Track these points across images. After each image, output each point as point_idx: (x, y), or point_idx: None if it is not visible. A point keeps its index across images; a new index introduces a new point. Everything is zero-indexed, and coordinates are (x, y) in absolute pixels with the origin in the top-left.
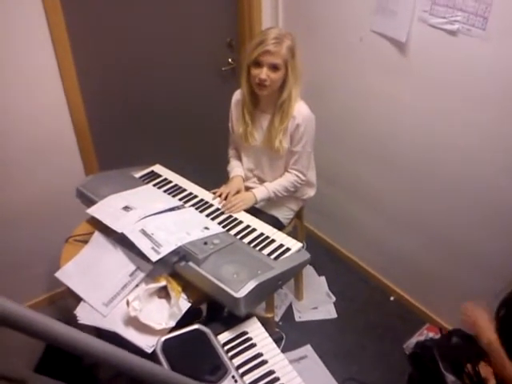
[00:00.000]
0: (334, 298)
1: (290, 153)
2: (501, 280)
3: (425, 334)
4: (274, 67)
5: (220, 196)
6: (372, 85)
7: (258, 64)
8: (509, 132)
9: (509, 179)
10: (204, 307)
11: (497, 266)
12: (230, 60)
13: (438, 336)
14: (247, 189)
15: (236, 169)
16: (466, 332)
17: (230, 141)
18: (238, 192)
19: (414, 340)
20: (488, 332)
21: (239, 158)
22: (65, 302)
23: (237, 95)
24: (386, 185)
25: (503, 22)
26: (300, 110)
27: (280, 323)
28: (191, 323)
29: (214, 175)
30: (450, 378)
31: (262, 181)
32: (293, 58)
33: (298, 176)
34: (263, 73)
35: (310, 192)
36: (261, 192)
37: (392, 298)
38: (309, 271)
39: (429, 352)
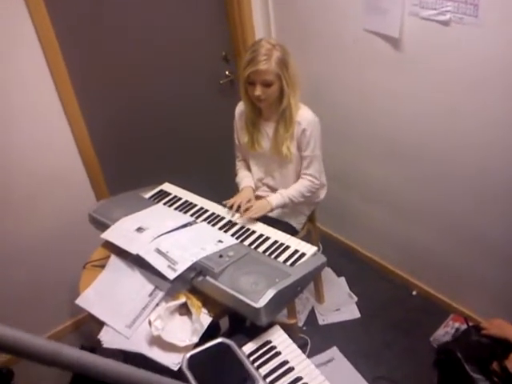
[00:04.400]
0: (355, 298)
1: (301, 158)
2: None
3: (450, 324)
4: (267, 83)
5: (232, 207)
6: (371, 83)
7: (251, 82)
8: (508, 116)
9: None
10: (223, 321)
11: None
12: (227, 72)
13: (464, 326)
14: (258, 198)
15: (245, 179)
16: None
17: (236, 153)
18: (248, 201)
19: (440, 332)
20: None
21: (248, 169)
22: (89, 327)
23: (240, 106)
24: (395, 178)
25: (494, 7)
26: (304, 115)
27: (304, 328)
28: (211, 339)
29: (222, 188)
30: (479, 378)
31: (271, 189)
32: (286, 69)
33: (311, 181)
34: (257, 90)
35: (322, 194)
36: (276, 199)
37: (414, 293)
38: (327, 273)
39: (453, 356)
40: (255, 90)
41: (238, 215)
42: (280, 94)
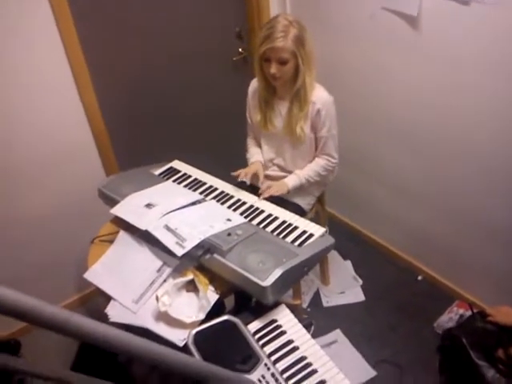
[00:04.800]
0: (360, 281)
1: (315, 139)
2: None
3: (455, 310)
4: (283, 61)
5: (238, 176)
6: (387, 62)
7: (267, 59)
8: None
9: None
10: (227, 300)
11: None
12: (240, 50)
13: (468, 312)
14: (268, 177)
15: (255, 156)
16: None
17: (248, 131)
18: (255, 174)
19: (444, 318)
20: None
21: (258, 146)
22: (96, 302)
23: (254, 83)
24: (406, 163)
25: None
26: (318, 94)
27: (308, 309)
28: (215, 317)
29: (233, 166)
30: (484, 365)
31: (282, 170)
32: (302, 47)
33: (328, 159)
34: (273, 67)
35: (332, 175)
36: (292, 180)
37: (420, 278)
38: (334, 256)
39: (458, 342)
40: (271, 67)
41: (246, 194)
42: (295, 72)
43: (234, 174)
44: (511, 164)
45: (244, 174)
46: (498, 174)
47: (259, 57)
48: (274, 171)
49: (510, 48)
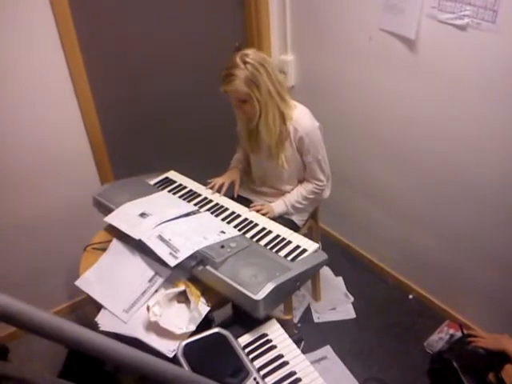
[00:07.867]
0: (352, 298)
1: (300, 160)
2: None
3: (445, 330)
4: (242, 100)
5: (213, 188)
6: (383, 83)
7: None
8: None
9: None
10: (216, 314)
11: None
12: None
13: (458, 333)
14: (262, 193)
15: (235, 161)
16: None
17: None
18: (232, 182)
19: (434, 337)
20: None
21: (244, 155)
22: (85, 310)
23: None
24: (400, 182)
25: None
26: (300, 121)
27: (299, 325)
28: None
29: None
30: None
31: (273, 188)
32: (257, 88)
33: (316, 183)
34: (236, 106)
35: (325, 194)
36: (279, 207)
37: (411, 296)
38: (326, 272)
39: (449, 366)
40: (234, 105)
41: (241, 207)
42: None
43: (209, 186)
44: (507, 189)
45: (219, 186)
46: (493, 199)
47: None
48: (267, 188)
49: (506, 75)
